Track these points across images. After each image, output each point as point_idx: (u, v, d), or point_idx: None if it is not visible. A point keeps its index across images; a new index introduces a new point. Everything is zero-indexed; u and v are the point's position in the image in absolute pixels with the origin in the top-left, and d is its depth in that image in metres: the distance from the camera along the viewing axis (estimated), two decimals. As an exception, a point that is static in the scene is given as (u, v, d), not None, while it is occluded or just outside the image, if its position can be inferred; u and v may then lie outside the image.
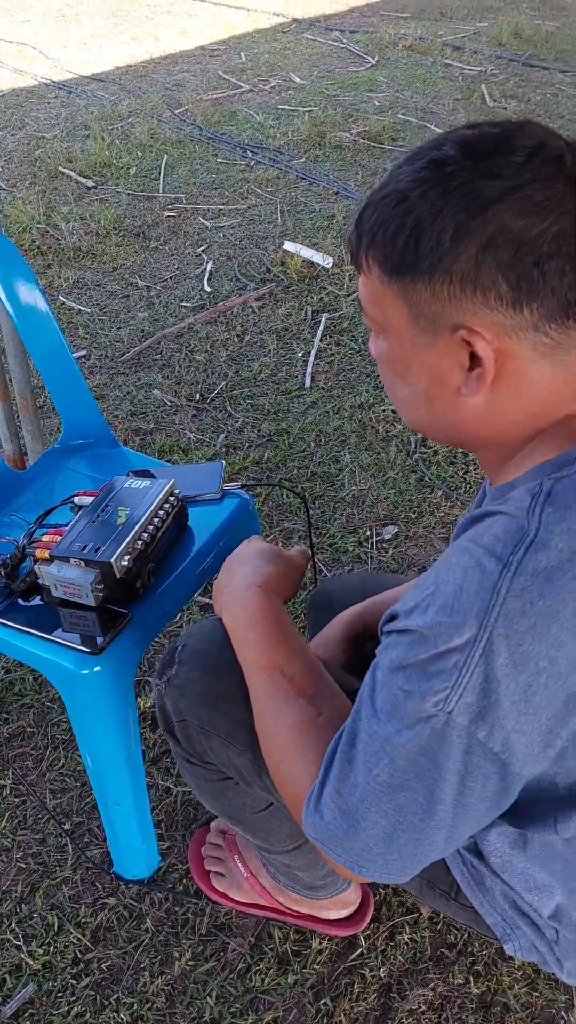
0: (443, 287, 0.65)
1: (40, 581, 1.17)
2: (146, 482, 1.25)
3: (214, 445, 2.20)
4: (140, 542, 1.16)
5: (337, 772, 0.72)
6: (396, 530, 1.94)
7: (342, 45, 5.32)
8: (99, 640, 1.11)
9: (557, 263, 0.62)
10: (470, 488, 2.05)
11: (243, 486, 1.37)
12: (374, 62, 4.98)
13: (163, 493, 1.22)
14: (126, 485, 1.26)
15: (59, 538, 1.17)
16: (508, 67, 4.88)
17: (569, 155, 0.63)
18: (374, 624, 1.13)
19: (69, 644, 1.11)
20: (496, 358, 0.66)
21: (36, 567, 1.17)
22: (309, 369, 2.47)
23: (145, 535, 1.17)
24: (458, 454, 2.15)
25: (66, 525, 1.23)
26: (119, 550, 1.13)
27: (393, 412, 2.30)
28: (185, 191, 3.53)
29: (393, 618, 0.70)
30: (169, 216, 3.34)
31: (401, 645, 0.67)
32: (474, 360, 0.67)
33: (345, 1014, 1.18)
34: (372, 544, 1.90)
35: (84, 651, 1.10)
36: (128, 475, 1.32)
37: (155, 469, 1.41)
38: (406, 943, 1.26)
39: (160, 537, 1.20)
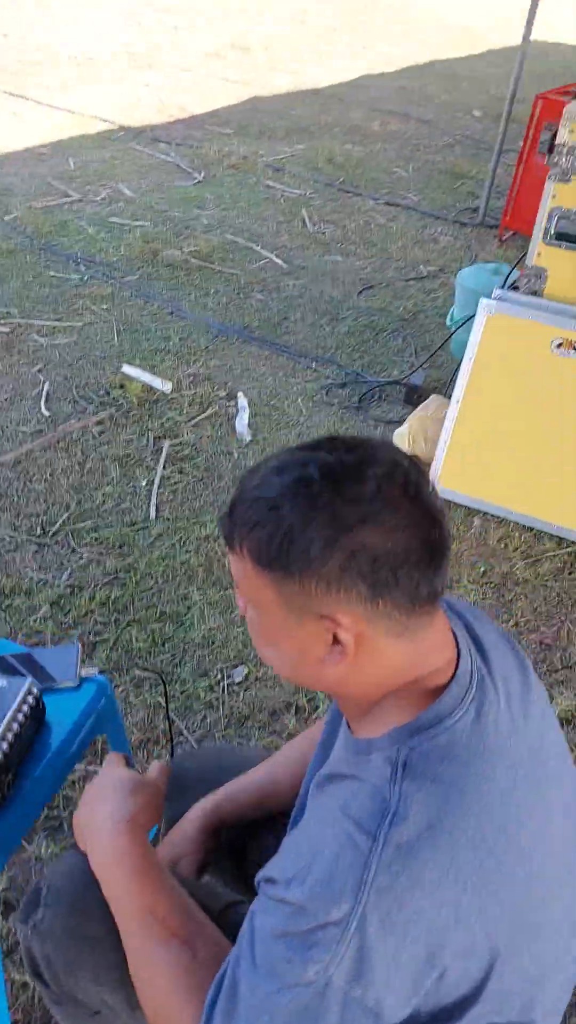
0: (311, 585, 0.74)
1: None
2: (1, 680, 1.24)
3: (57, 585, 2.18)
4: (-1, 749, 1.14)
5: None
6: (246, 671, 2.00)
7: (169, 159, 5.56)
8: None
9: (406, 570, 0.73)
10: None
11: (101, 671, 1.38)
12: (200, 178, 5.24)
13: (20, 696, 1.21)
14: (-23, 677, 1.23)
15: None
16: (325, 191, 5.30)
17: (412, 476, 0.75)
18: (230, 815, 1.17)
19: None
20: (355, 640, 0.75)
21: None
22: (153, 499, 2.52)
23: (4, 745, 1.15)
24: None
25: None
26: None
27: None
28: (18, 304, 3.51)
29: (270, 881, 0.75)
30: (1, 332, 3.31)
31: (280, 914, 0.72)
32: (335, 639, 0.76)
33: None
34: (223, 688, 1.95)
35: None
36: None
37: (6, 656, 1.39)
38: None
39: (17, 744, 1.18)
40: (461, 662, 0.80)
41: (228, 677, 1.98)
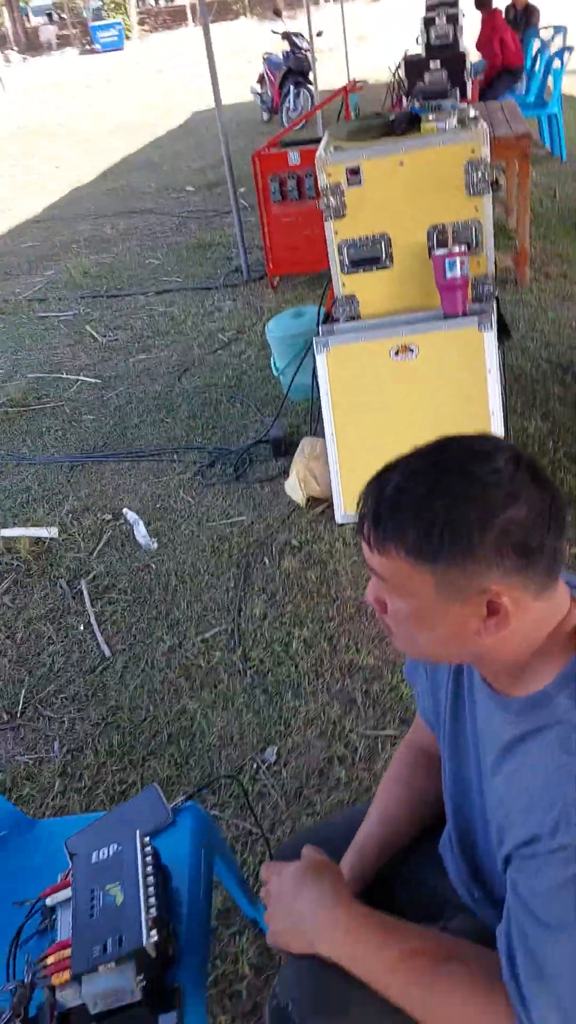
0: (471, 567, 0.82)
1: (61, 1009, 1.08)
2: (111, 847, 1.22)
3: (55, 758, 2.11)
4: (153, 909, 1.13)
5: (541, 1003, 0.81)
6: (275, 749, 2.03)
7: None
8: (173, 1030, 1.05)
9: (546, 538, 0.83)
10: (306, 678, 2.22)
11: (188, 797, 1.38)
12: (-27, 334, 5.23)
13: (138, 848, 1.20)
14: (92, 861, 1.21)
15: (66, 951, 1.10)
16: (96, 303, 5.44)
17: (528, 457, 0.86)
18: (368, 873, 1.19)
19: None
20: (510, 608, 0.84)
21: (58, 995, 1.08)
22: (100, 638, 2.49)
23: (153, 899, 1.14)
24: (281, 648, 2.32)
25: (50, 936, 1.15)
26: (143, 930, 1.09)
27: (206, 641, 2.41)
28: None
29: (530, 842, 0.82)
30: None
31: (559, 862, 0.79)
32: (490, 609, 0.84)
33: None
34: (264, 772, 1.97)
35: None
36: (73, 849, 1.28)
37: (89, 825, 1.37)
38: None
39: (161, 896, 1.17)
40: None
41: (263, 763, 2.00)
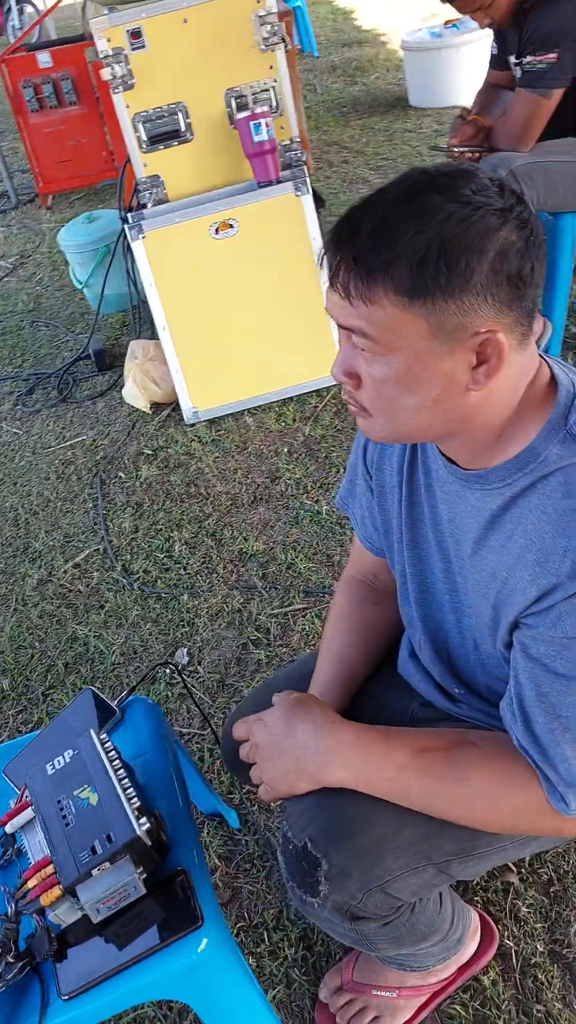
0: (465, 300, 0.73)
1: (58, 930, 0.95)
2: (65, 754, 1.08)
3: None
4: (134, 799, 1.01)
5: (565, 749, 0.80)
6: (186, 649, 1.92)
7: None
8: (196, 911, 0.95)
9: (536, 270, 0.75)
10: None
11: (131, 690, 1.25)
12: None
13: (97, 744, 1.07)
14: (50, 772, 1.06)
15: (48, 868, 0.96)
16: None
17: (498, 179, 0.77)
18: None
19: (167, 942, 0.93)
20: (497, 355, 0.76)
21: (50, 917, 0.94)
22: None
23: (130, 790, 1.02)
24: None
25: (18, 865, 1.01)
26: (131, 820, 0.97)
27: (78, 566, 2.23)
28: None
29: (541, 598, 0.79)
30: None
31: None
32: (480, 357, 0.76)
33: None
34: (185, 675, 1.86)
35: (184, 934, 0.94)
36: (16, 771, 1.13)
37: (27, 746, 1.20)
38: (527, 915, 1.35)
39: (136, 787, 1.05)
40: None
41: (176, 665, 1.89)
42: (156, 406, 2.78)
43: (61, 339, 3.40)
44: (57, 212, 4.69)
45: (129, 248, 2.57)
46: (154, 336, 2.75)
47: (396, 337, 0.76)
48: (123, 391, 2.82)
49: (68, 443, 2.76)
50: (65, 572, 2.23)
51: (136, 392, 2.74)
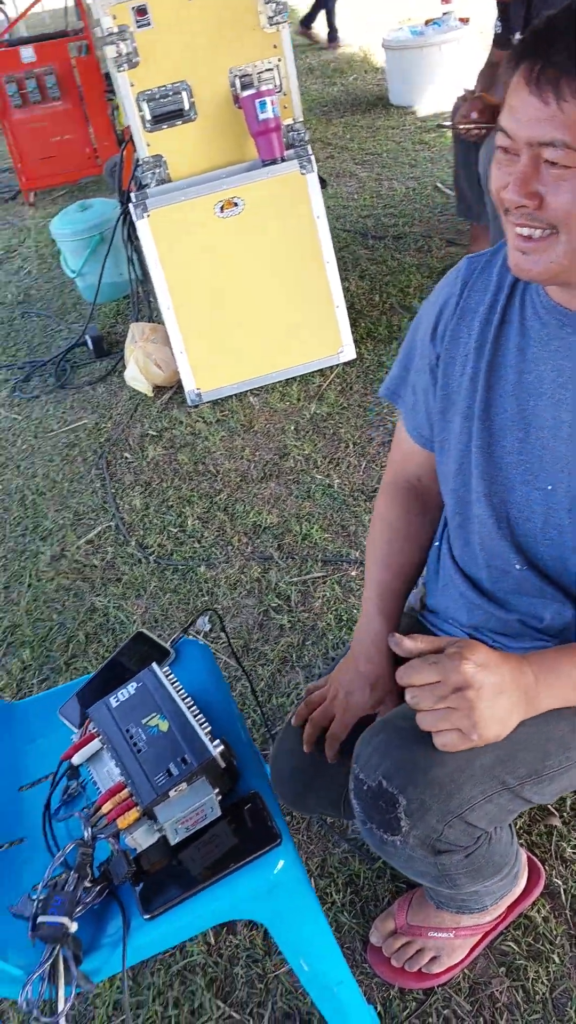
0: None
1: (135, 852, 0.94)
2: (129, 687, 1.07)
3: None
4: (204, 724, 1.01)
5: None
6: (207, 616, 1.91)
7: None
8: (273, 829, 0.94)
9: None
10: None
11: (182, 631, 1.25)
12: None
13: (162, 676, 1.06)
14: (114, 705, 1.05)
15: (122, 793, 0.95)
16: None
17: None
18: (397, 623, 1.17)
19: (251, 858, 0.92)
20: None
21: (130, 838, 0.93)
22: None
23: (200, 716, 1.02)
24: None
25: (91, 789, 1.00)
26: (206, 742, 0.97)
27: (91, 542, 2.20)
28: None
29: None
30: None
31: None
32: None
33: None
34: (211, 640, 1.85)
35: (264, 851, 0.93)
36: (74, 710, 1.12)
37: (81, 688, 1.19)
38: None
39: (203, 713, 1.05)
40: None
41: (199, 632, 1.87)
42: (158, 389, 2.77)
43: (54, 329, 3.38)
44: (40, 208, 4.67)
45: (132, 228, 2.57)
46: (152, 321, 2.75)
47: None
48: (125, 374, 2.80)
49: (70, 426, 2.74)
50: (78, 548, 2.21)
51: (138, 375, 2.73)
